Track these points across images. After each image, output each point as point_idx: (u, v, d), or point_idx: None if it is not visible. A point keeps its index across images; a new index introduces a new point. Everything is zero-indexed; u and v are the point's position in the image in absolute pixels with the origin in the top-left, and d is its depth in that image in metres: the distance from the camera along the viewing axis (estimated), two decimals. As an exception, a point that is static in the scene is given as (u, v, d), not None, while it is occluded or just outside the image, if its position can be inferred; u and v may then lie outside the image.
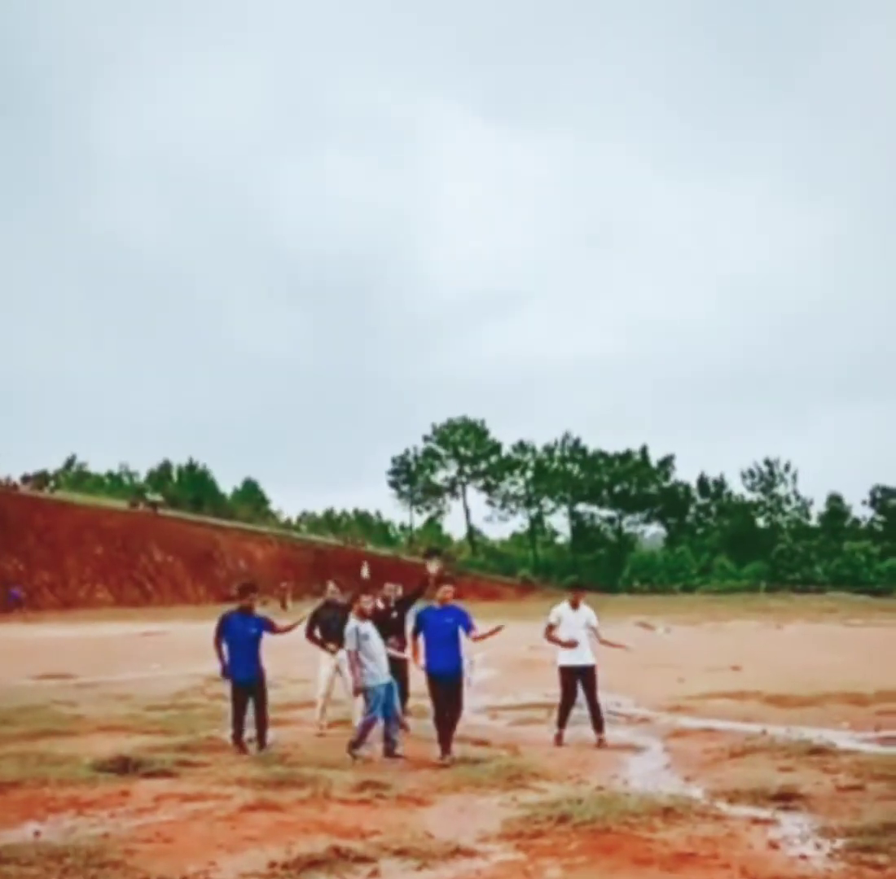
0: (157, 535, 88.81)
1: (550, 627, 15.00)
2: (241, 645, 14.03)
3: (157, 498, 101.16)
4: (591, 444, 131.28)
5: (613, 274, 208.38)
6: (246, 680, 13.97)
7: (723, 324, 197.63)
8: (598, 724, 14.64)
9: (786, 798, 10.20)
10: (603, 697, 19.15)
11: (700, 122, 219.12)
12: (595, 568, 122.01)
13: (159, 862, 7.97)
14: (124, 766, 11.98)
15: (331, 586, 15.96)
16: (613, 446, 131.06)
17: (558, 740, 14.43)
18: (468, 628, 13.20)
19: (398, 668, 14.64)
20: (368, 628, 13.57)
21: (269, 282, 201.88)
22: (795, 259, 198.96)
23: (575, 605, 15.18)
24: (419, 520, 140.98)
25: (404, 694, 15.00)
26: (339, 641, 14.60)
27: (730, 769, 12.16)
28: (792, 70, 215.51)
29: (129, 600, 77.47)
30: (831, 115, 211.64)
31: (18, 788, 10.97)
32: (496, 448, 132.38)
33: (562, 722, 14.73)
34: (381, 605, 15.37)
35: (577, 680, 14.74)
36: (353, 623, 13.59)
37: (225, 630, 14.07)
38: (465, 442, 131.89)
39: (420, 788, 11.04)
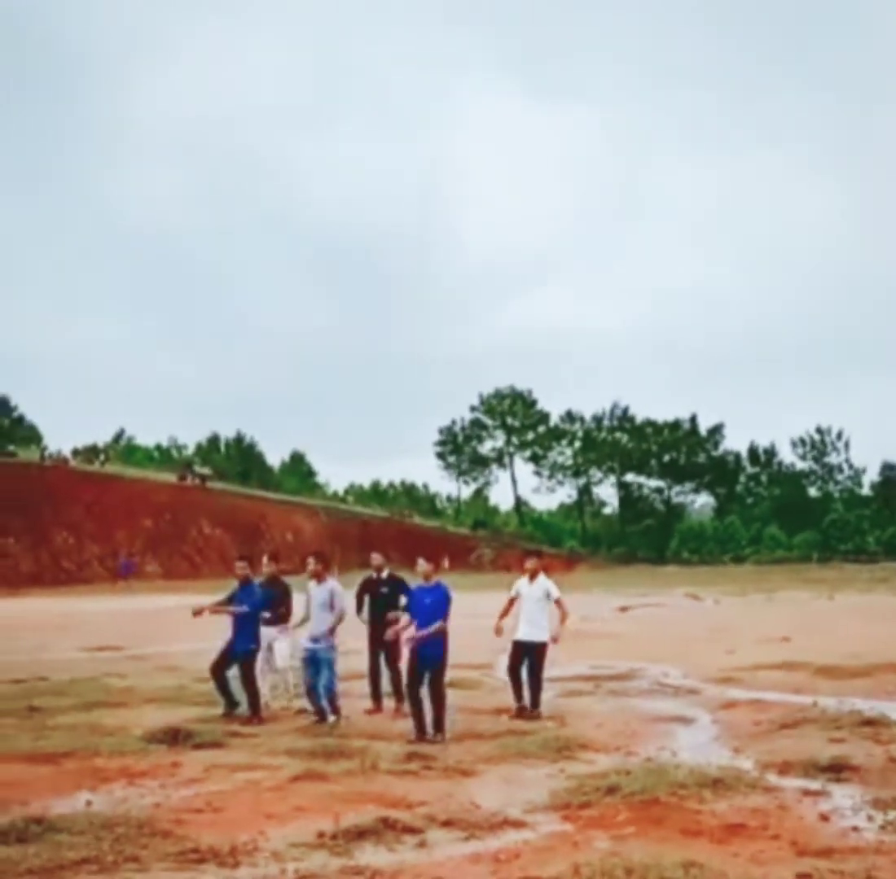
0: (205, 508, 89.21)
1: (509, 601, 14.66)
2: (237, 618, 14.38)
3: (206, 471, 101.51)
4: (640, 413, 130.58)
5: (653, 242, 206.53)
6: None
7: (771, 290, 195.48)
8: (532, 697, 14.29)
9: (837, 770, 10.13)
10: (653, 668, 19.22)
11: (727, 92, 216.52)
12: (643, 539, 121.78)
13: (209, 832, 8.00)
14: (174, 737, 12.08)
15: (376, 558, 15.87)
16: (662, 415, 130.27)
17: (518, 712, 14.17)
18: (440, 613, 12.85)
19: (388, 647, 14.76)
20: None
21: (310, 256, 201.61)
22: (842, 226, 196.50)
23: (532, 576, 14.59)
24: (466, 492, 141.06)
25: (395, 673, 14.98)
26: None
27: (780, 740, 12.08)
28: (816, 42, 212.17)
29: (178, 573, 77.92)
30: (858, 84, 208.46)
31: (70, 759, 11.05)
32: (544, 418, 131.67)
33: (516, 695, 14.44)
34: (373, 576, 15.40)
35: (524, 655, 14.39)
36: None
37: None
38: (513, 412, 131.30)
39: (467, 759, 11.05)
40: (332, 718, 13.57)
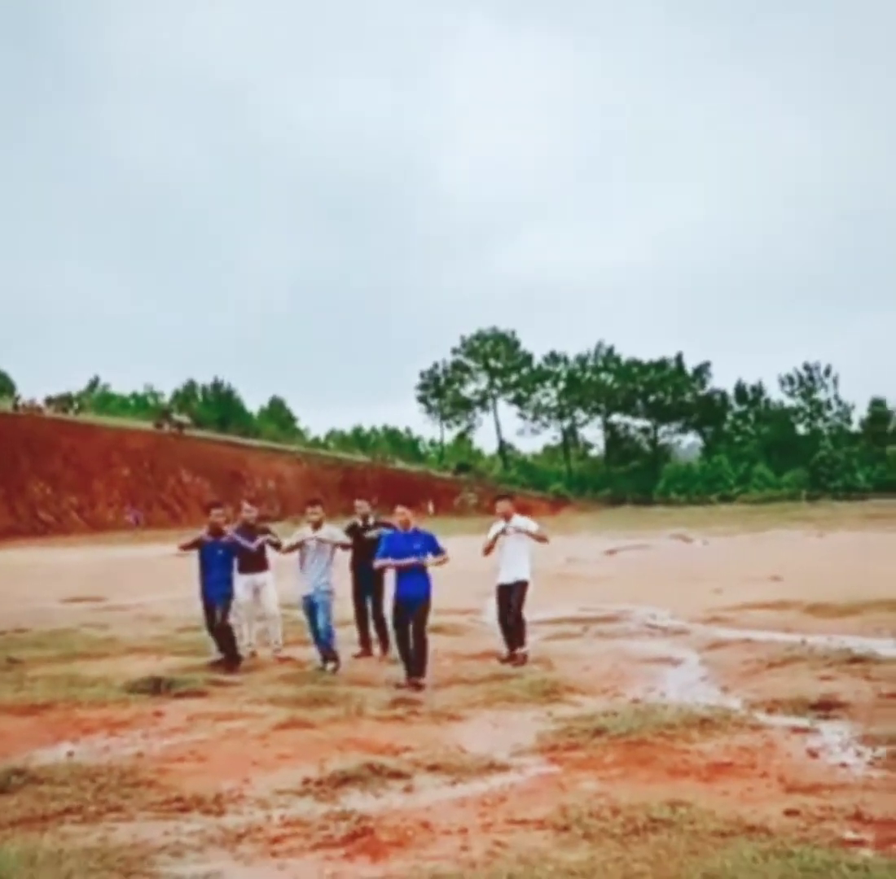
0: (183, 456, 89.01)
1: (494, 537, 14.57)
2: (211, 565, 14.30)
3: (183, 418, 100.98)
4: (625, 353, 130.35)
5: (640, 181, 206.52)
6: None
7: (756, 229, 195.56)
8: (515, 639, 14.17)
9: (826, 707, 10.10)
10: (640, 610, 19.23)
11: (718, 31, 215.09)
12: (630, 480, 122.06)
13: (193, 781, 7.96)
14: (156, 687, 12.03)
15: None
16: (648, 355, 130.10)
17: (509, 658, 14.14)
18: (436, 552, 12.88)
19: (374, 593, 14.93)
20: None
21: (289, 199, 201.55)
22: (831, 161, 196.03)
23: (506, 518, 14.56)
24: (449, 435, 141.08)
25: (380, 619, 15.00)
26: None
27: (768, 679, 12.05)
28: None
29: (157, 522, 77.75)
30: (832, 29, 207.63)
31: (51, 709, 10.99)
32: (527, 359, 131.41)
33: (507, 640, 14.38)
34: (359, 523, 15.34)
35: (508, 596, 14.36)
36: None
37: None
38: (496, 354, 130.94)
39: (453, 704, 11.01)
40: (330, 665, 13.49)
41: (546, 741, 9.14)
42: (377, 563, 13.21)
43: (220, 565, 14.20)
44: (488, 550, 14.35)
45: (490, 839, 6.41)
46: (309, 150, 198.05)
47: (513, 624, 14.18)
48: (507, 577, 14.29)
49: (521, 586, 14.24)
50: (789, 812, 6.70)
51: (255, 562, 14.99)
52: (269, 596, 15.18)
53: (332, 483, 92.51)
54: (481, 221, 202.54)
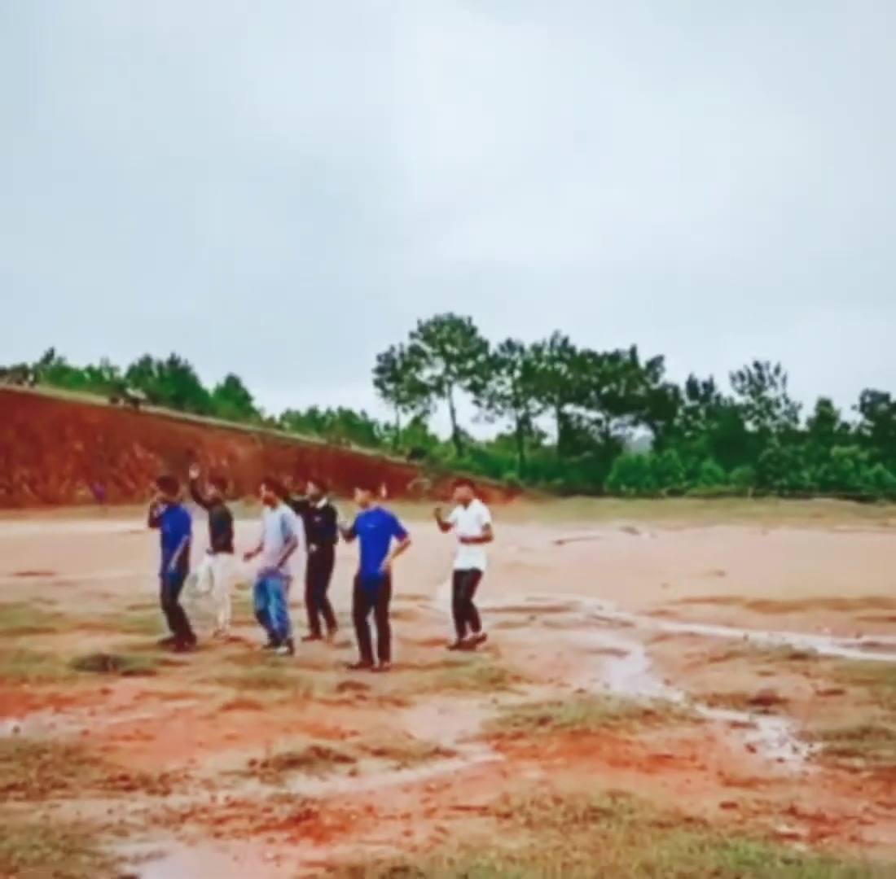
0: (138, 432, 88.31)
1: (445, 526, 14.69)
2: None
3: (139, 393, 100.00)
4: (580, 344, 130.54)
5: (599, 172, 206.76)
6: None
7: (713, 224, 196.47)
8: (462, 626, 14.43)
9: (765, 702, 10.28)
10: (588, 601, 19.39)
11: (681, 24, 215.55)
12: (582, 471, 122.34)
13: (139, 759, 7.98)
14: (104, 664, 11.99)
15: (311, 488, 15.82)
16: (603, 346, 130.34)
17: (457, 644, 14.27)
18: (399, 533, 13.06)
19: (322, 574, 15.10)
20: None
21: (254, 177, 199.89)
22: (787, 156, 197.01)
23: (464, 504, 14.73)
24: (405, 420, 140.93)
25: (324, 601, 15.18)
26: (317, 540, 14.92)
27: (710, 673, 12.22)
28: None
29: (110, 497, 77.06)
30: (807, 16, 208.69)
31: (-3, 685, 10.96)
32: (483, 346, 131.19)
33: (458, 627, 14.58)
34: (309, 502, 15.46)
35: (459, 581, 14.56)
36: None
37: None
38: (452, 340, 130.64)
39: (401, 690, 11.09)
40: (283, 648, 13.51)
41: (491, 728, 9.23)
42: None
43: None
44: (445, 528, 14.57)
45: (433, 824, 6.50)
46: (269, 132, 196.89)
47: (459, 612, 14.31)
48: (462, 563, 14.43)
49: (472, 573, 14.38)
50: (726, 805, 6.83)
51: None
52: (201, 575, 15.20)
53: (287, 463, 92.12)
54: (442, 206, 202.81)
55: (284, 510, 14.03)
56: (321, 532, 15.02)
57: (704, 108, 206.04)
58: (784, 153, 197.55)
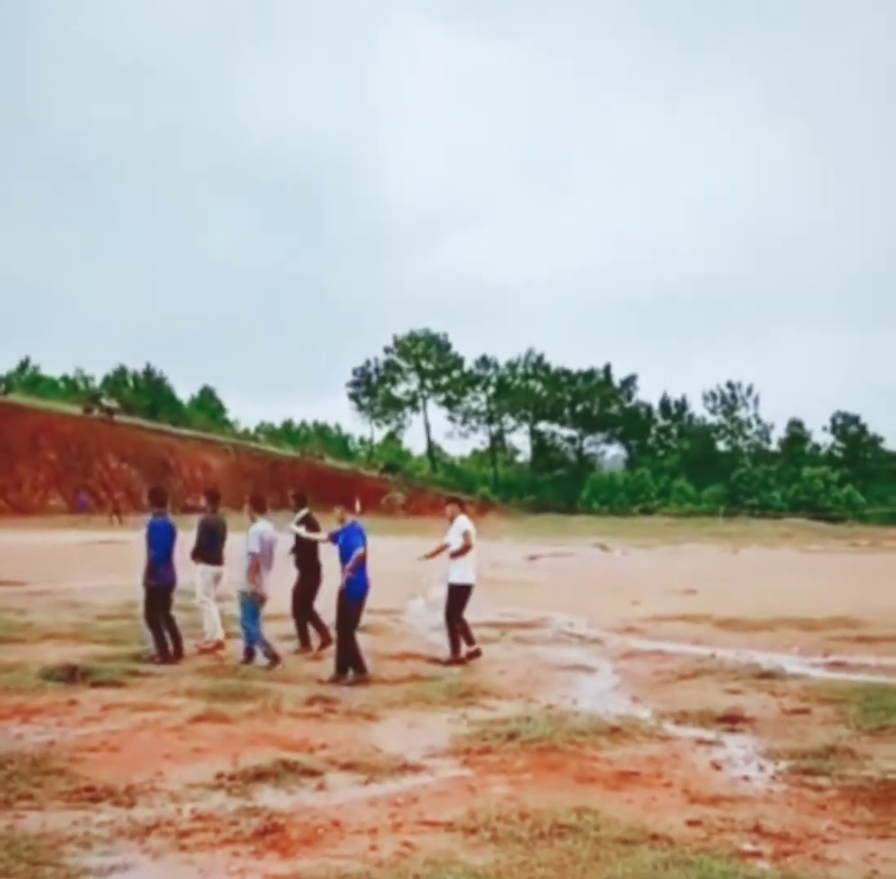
0: (112, 442, 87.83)
1: (440, 547, 14.84)
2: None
3: (113, 403, 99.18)
4: (555, 362, 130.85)
5: (578, 189, 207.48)
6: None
7: (688, 243, 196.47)
8: (451, 640, 14.65)
9: (732, 721, 10.33)
10: (559, 617, 19.42)
11: (666, 38, 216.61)
12: (555, 488, 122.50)
13: (105, 771, 7.97)
14: (72, 675, 11.95)
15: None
16: (577, 364, 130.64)
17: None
18: (352, 548, 13.14)
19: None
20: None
21: (229, 188, 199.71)
22: (760, 179, 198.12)
23: (450, 520, 14.98)
24: (379, 434, 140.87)
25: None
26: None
27: (678, 690, 12.28)
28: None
29: (78, 509, 76.70)
30: (797, 31, 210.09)
31: (-35, 695, 10.90)
32: (458, 363, 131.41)
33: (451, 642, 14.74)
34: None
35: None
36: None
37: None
38: (427, 356, 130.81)
39: (370, 703, 11.09)
40: (265, 661, 13.48)
41: (459, 743, 9.26)
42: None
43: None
44: (432, 556, 14.84)
45: (399, 839, 6.51)
46: (248, 144, 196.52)
47: (448, 627, 14.48)
48: (449, 578, 14.74)
49: (450, 588, 14.50)
50: (691, 823, 6.86)
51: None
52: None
53: (261, 475, 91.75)
54: (418, 222, 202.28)
55: (257, 526, 13.94)
56: (304, 545, 15.09)
57: (680, 126, 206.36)
58: (759, 175, 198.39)
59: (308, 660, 13.97)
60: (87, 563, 30.80)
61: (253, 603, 13.61)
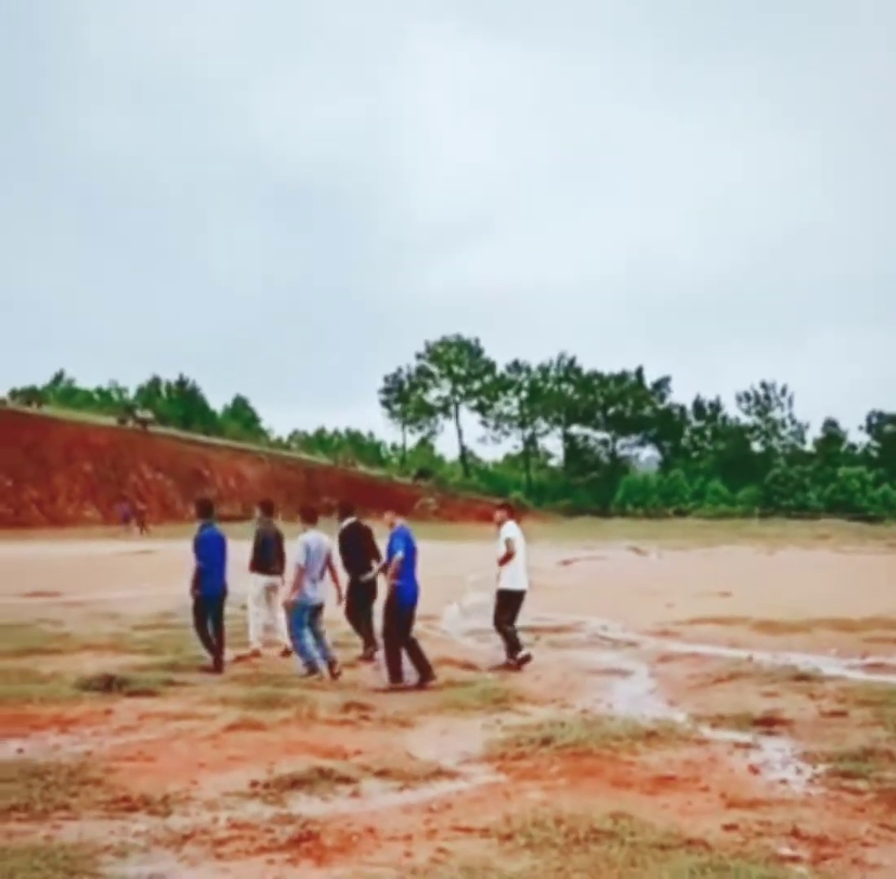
0: (146, 453, 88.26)
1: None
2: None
3: (147, 414, 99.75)
4: (587, 365, 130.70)
5: (611, 194, 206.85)
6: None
7: (721, 244, 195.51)
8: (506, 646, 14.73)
9: (769, 724, 10.27)
10: (593, 621, 19.39)
11: (681, 45, 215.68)
12: (588, 492, 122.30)
13: (141, 781, 7.98)
14: (109, 685, 12.01)
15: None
16: (609, 367, 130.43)
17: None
18: (393, 553, 13.35)
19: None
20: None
21: (259, 199, 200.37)
22: (792, 178, 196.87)
23: (497, 525, 15.15)
24: (412, 441, 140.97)
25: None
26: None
27: (714, 694, 12.22)
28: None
29: (118, 518, 77.12)
30: (809, 37, 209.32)
31: (2, 705, 10.97)
32: (490, 367, 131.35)
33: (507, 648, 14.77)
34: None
35: None
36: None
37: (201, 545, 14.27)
38: (459, 361, 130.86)
39: (404, 710, 11.09)
40: (302, 670, 13.51)
41: (494, 749, 9.24)
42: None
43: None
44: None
45: (434, 846, 6.50)
46: (277, 155, 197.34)
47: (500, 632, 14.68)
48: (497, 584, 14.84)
49: (497, 594, 14.75)
50: (728, 827, 6.82)
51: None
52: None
53: (295, 484, 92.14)
54: (450, 227, 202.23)
55: (304, 536, 13.95)
56: (350, 553, 15.18)
57: (713, 126, 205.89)
58: (791, 172, 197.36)
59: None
60: (123, 573, 30.93)
61: (298, 612, 13.63)
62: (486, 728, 10.26)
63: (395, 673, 12.93)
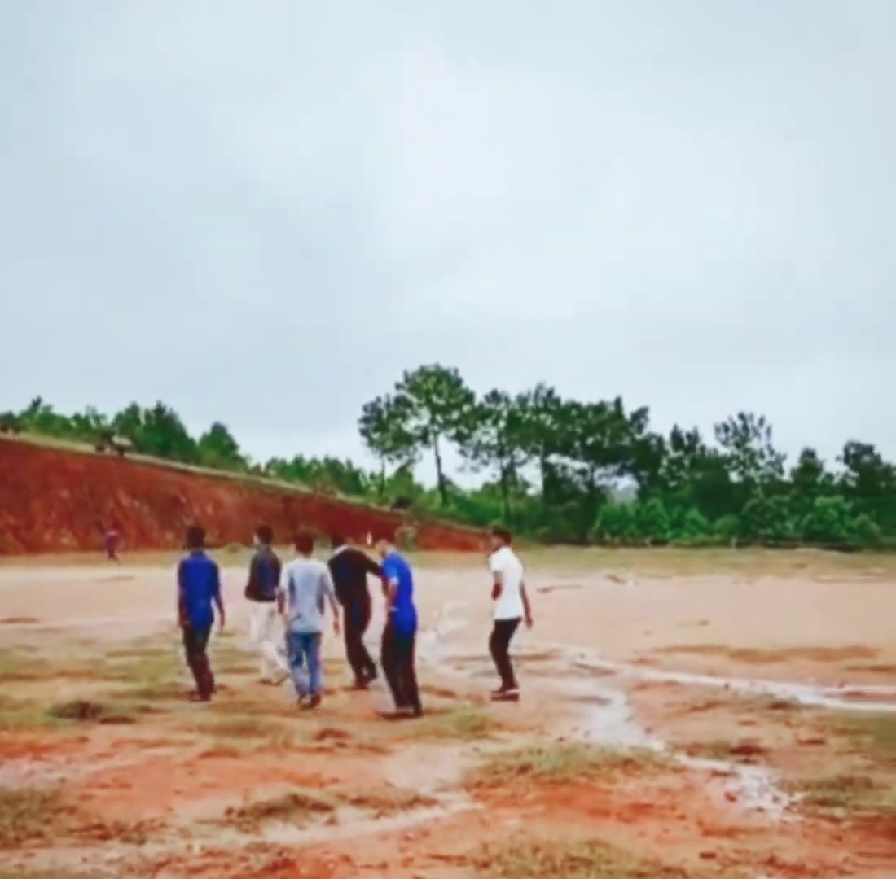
0: (124, 480, 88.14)
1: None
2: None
3: (125, 441, 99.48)
4: (565, 395, 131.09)
5: (588, 222, 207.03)
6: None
7: (697, 275, 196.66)
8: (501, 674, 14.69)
9: (746, 752, 10.27)
10: (571, 649, 19.38)
11: (678, 65, 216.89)
12: (566, 520, 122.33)
13: (115, 808, 7.93)
14: (83, 712, 11.96)
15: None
16: (587, 398, 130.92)
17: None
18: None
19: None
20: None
21: (238, 226, 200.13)
22: (771, 214, 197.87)
23: (494, 552, 15.26)
24: (390, 469, 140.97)
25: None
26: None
27: (692, 722, 12.21)
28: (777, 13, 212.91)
29: (95, 545, 76.10)
30: (815, 55, 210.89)
31: (-24, 732, 10.85)
32: (469, 397, 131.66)
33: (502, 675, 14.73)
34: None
35: None
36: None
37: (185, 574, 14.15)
38: (438, 391, 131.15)
39: (381, 737, 11.06)
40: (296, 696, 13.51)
41: (471, 777, 9.21)
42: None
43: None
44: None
45: (410, 874, 6.46)
46: (256, 181, 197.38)
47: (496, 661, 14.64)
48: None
49: (494, 624, 14.74)
50: (705, 855, 6.80)
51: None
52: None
53: (273, 511, 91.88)
54: (429, 256, 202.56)
55: (290, 563, 13.88)
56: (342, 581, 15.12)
57: (692, 159, 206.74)
58: (774, 205, 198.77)
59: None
60: (99, 600, 30.77)
61: (290, 639, 13.59)
62: (463, 755, 10.24)
63: (400, 698, 12.88)
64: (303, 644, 13.48)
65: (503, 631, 14.58)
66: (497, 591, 14.52)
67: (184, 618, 13.98)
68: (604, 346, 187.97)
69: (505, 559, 14.82)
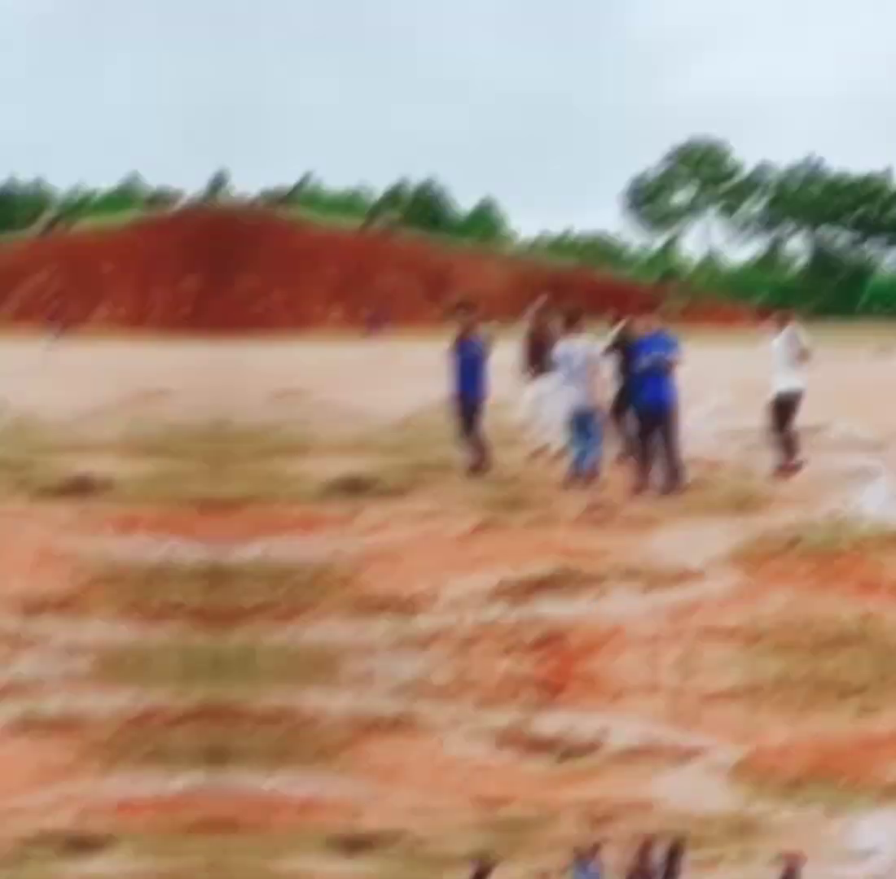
0: (391, 256, 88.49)
1: None
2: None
3: (393, 217, 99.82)
4: (834, 167, 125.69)
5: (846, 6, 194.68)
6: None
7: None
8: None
9: None
10: (839, 422, 18.84)
11: None
12: (833, 293, 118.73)
13: (387, 581, 8.10)
14: (355, 486, 11.97)
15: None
16: (857, 169, 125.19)
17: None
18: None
19: None
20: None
21: (488, 15, 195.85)
22: None
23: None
24: (655, 244, 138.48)
25: None
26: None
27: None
28: None
29: (362, 321, 77.48)
30: None
31: (248, 506, 10.98)
32: (737, 169, 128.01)
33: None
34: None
35: None
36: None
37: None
38: (705, 164, 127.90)
39: (649, 511, 10.92)
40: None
41: (740, 551, 9.09)
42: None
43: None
44: None
45: (680, 647, 6.46)
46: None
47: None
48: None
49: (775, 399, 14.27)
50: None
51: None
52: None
53: (540, 287, 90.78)
54: (696, 30, 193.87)
55: (561, 343, 13.69)
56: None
57: None
58: None
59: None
60: (368, 375, 31.22)
61: (567, 417, 13.42)
62: (732, 529, 10.08)
63: (647, 474, 12.68)
64: (576, 421, 13.32)
65: (776, 406, 14.17)
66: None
67: (456, 395, 13.93)
68: (875, 117, 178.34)
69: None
